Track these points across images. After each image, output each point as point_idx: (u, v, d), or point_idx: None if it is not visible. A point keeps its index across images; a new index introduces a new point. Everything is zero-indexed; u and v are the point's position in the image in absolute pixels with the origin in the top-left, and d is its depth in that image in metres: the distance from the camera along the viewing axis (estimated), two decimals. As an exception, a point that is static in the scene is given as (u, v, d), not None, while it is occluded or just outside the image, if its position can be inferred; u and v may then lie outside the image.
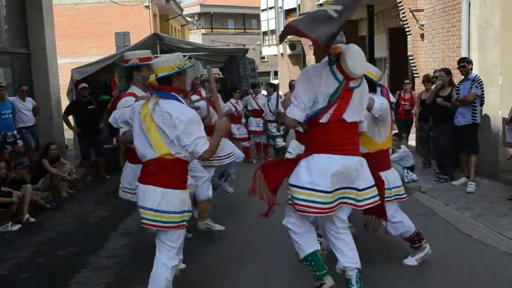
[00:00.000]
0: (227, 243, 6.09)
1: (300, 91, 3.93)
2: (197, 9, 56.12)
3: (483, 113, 8.60)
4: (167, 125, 3.73)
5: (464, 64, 8.19)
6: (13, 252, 6.23)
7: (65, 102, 11.90)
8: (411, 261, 5.11)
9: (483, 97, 8.20)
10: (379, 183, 4.33)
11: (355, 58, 3.86)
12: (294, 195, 3.97)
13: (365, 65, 4.08)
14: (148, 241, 5.82)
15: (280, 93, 16.83)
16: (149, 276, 5.05)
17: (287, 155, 6.86)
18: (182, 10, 36.00)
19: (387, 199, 4.77)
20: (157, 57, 4.78)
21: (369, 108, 4.45)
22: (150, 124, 3.80)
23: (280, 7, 36.79)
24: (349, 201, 4.04)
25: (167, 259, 3.92)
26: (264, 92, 15.46)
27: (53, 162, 9.34)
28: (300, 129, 4.75)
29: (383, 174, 4.71)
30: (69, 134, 12.53)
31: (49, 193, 8.93)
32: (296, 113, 3.92)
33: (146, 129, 3.82)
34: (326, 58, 3.90)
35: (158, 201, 3.76)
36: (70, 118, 10.92)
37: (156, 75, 3.85)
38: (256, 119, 12.23)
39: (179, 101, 3.87)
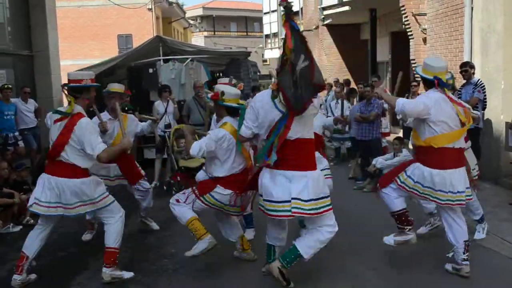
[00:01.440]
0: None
1: (247, 114, 4.72)
2: (200, 12, 56.25)
3: (485, 117, 8.60)
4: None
5: (467, 68, 8.19)
6: (14, 253, 6.20)
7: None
8: (389, 239, 5.15)
9: (485, 102, 8.20)
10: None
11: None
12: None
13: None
14: (149, 243, 5.85)
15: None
16: (149, 278, 5.07)
17: None
18: (184, 13, 36.05)
19: (410, 188, 5.01)
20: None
21: (391, 107, 4.90)
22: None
23: (283, 10, 36.81)
24: (296, 210, 4.47)
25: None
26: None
27: (55, 163, 9.32)
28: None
29: (420, 167, 4.93)
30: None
31: (50, 195, 8.90)
32: (243, 130, 4.74)
33: (239, 148, 4.96)
34: (269, 91, 4.55)
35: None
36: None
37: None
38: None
39: None
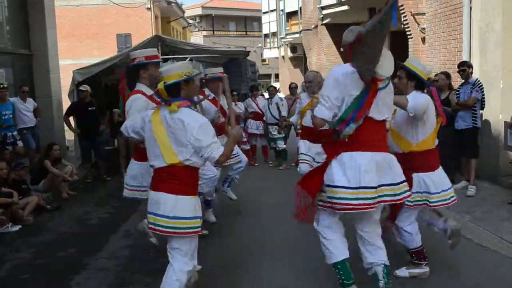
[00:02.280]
0: (232, 247, 6.08)
1: (327, 91, 3.94)
2: (199, 11, 56.24)
3: (484, 117, 8.60)
4: (179, 133, 3.77)
5: (464, 68, 8.20)
6: (13, 253, 6.23)
7: (66, 104, 11.92)
8: (403, 271, 4.95)
9: (484, 101, 8.20)
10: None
11: (383, 61, 3.89)
12: (331, 195, 3.97)
13: (392, 66, 4.04)
14: (148, 243, 5.84)
15: (281, 95, 16.86)
16: (149, 277, 5.08)
17: (304, 157, 6.89)
18: (183, 12, 36.03)
19: (413, 202, 4.74)
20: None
21: (404, 107, 4.52)
22: (161, 132, 3.84)
23: (282, 10, 36.82)
24: (387, 198, 4.02)
25: (182, 264, 3.90)
26: (265, 94, 15.47)
27: (55, 163, 9.35)
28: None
29: (415, 176, 4.71)
30: (70, 135, 12.55)
31: (49, 194, 8.93)
32: (324, 112, 3.91)
33: (157, 138, 3.86)
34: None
35: (171, 207, 3.77)
36: (71, 119, 10.94)
37: (164, 82, 3.86)
38: (256, 121, 12.21)
39: (189, 107, 3.92)
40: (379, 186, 3.93)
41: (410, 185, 4.53)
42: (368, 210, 3.93)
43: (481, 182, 8.39)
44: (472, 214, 6.89)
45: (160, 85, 3.86)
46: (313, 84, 6.69)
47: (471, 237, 6.05)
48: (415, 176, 4.72)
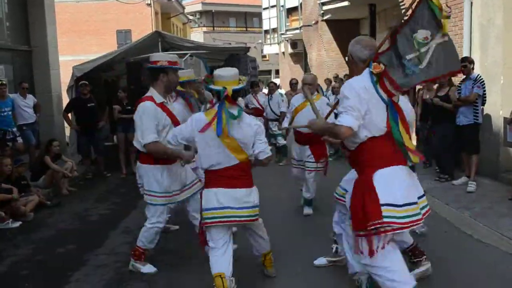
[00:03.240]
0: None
1: (351, 101, 3.64)
2: (199, 7, 56.18)
3: (484, 113, 8.58)
4: (244, 133, 4.29)
5: (466, 63, 8.16)
6: (13, 249, 6.23)
7: (64, 99, 11.93)
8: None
9: (485, 97, 8.19)
10: None
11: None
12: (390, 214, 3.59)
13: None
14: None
15: (282, 91, 16.86)
16: (148, 274, 5.07)
17: (292, 161, 7.35)
18: (183, 8, 36.00)
19: None
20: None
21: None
22: (227, 134, 4.22)
23: (282, 6, 36.77)
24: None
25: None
26: (265, 90, 15.46)
27: (55, 159, 9.34)
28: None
29: None
30: (68, 131, 12.55)
31: (49, 190, 8.93)
32: (352, 121, 3.61)
33: (222, 139, 4.22)
34: (367, 75, 3.75)
35: (253, 198, 4.38)
36: (71, 115, 10.94)
37: (224, 87, 4.25)
38: (256, 117, 12.18)
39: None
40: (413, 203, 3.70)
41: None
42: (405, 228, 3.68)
43: (481, 178, 8.38)
44: (472, 210, 6.88)
45: (230, 90, 4.25)
46: (313, 87, 6.86)
47: (471, 233, 6.05)
48: None
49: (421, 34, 3.70)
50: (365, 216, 3.57)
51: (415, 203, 3.65)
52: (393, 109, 3.74)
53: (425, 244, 5.65)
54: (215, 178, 4.31)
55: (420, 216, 3.66)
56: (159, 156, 4.95)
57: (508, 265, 5.13)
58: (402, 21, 3.80)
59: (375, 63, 3.71)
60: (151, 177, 5.05)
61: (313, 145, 6.83)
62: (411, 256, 4.82)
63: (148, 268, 5.23)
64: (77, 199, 8.83)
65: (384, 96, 3.72)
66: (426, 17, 3.70)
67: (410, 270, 4.59)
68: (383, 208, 3.54)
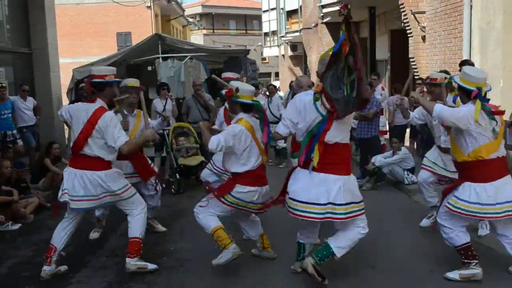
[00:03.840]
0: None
1: (288, 114, 4.87)
2: (199, 10, 56.17)
3: (484, 115, 8.59)
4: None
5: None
6: (14, 250, 6.23)
7: (64, 102, 11.95)
8: (454, 274, 4.86)
9: (485, 100, 8.19)
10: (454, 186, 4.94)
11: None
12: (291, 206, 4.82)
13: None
14: (148, 241, 5.85)
15: (281, 93, 16.88)
16: (149, 275, 5.09)
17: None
18: (183, 11, 36.02)
19: (455, 209, 4.76)
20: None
21: (430, 113, 4.81)
22: (256, 138, 5.06)
23: (282, 9, 36.81)
24: (329, 215, 4.60)
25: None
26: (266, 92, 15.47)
27: (55, 161, 9.35)
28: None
29: (467, 185, 4.72)
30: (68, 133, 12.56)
31: (49, 193, 8.92)
32: (281, 128, 4.91)
33: (256, 143, 5.06)
34: (311, 93, 4.67)
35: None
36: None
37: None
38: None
39: None
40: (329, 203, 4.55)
41: (455, 188, 4.88)
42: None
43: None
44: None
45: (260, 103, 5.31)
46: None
47: (472, 235, 6.04)
48: (467, 185, 4.73)
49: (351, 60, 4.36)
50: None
51: (313, 203, 4.59)
52: (323, 125, 4.54)
53: (424, 247, 5.68)
54: (255, 177, 5.09)
55: (321, 216, 4.60)
56: (134, 150, 5.42)
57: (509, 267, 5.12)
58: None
59: (318, 83, 4.59)
60: (116, 176, 5.25)
61: None
62: (462, 255, 4.87)
63: (152, 265, 5.32)
64: (77, 201, 8.81)
65: (323, 111, 4.54)
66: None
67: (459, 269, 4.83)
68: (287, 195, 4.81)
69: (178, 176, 8.95)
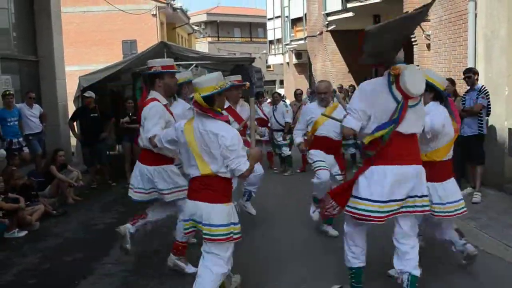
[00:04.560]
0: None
1: (356, 104, 4.14)
2: (204, 18, 56.41)
3: (489, 124, 8.59)
4: (211, 144, 3.97)
5: (470, 74, 8.20)
6: (20, 258, 6.26)
7: (71, 109, 12.00)
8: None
9: (490, 108, 8.20)
10: None
11: (414, 79, 4.03)
12: (354, 205, 4.16)
13: (423, 84, 4.15)
14: (154, 248, 5.87)
15: (287, 101, 16.89)
16: (154, 282, 5.09)
17: (321, 164, 6.50)
18: (189, 19, 36.17)
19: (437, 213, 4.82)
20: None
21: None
22: (194, 143, 4.04)
23: (287, 16, 36.88)
24: (417, 209, 4.20)
25: (212, 265, 4.08)
26: (269, 100, 15.50)
27: (61, 168, 9.40)
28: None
29: (430, 185, 4.65)
30: (74, 140, 12.61)
31: (55, 200, 8.97)
32: (353, 122, 4.11)
33: (191, 148, 4.06)
34: (385, 76, 4.12)
35: (207, 215, 4.01)
36: (76, 124, 11.04)
37: (199, 94, 4.01)
38: (262, 128, 12.21)
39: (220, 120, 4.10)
40: (405, 198, 4.11)
41: None
42: (376, 223, 4.11)
43: (486, 189, 8.37)
44: (477, 220, 6.88)
45: (197, 96, 4.02)
46: (328, 95, 6.60)
47: (477, 244, 6.01)
48: (430, 185, 4.70)
49: None
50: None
51: (398, 200, 4.06)
52: (401, 111, 4.00)
53: (430, 254, 5.67)
54: (188, 189, 4.31)
55: (386, 214, 4.06)
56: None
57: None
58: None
59: (394, 65, 4.03)
60: (170, 173, 5.21)
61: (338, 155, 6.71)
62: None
63: (191, 268, 5.20)
64: (83, 209, 8.86)
65: (399, 97, 4.01)
66: None
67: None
68: (360, 201, 4.10)
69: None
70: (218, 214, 4.00)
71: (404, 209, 4.13)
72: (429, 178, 4.61)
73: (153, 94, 5.14)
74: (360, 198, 4.11)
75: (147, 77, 5.26)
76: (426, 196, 4.23)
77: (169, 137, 4.39)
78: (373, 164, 4.13)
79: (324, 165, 6.45)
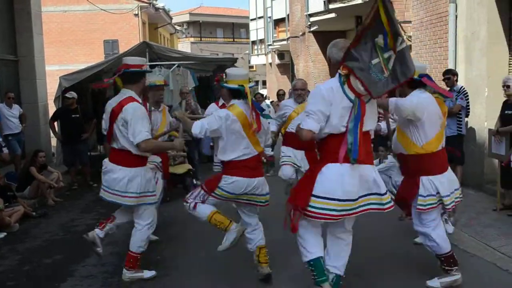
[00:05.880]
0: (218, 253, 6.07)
1: (314, 105, 4.05)
2: (187, 18, 56.26)
3: (469, 124, 8.69)
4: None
5: (449, 76, 8.29)
6: (-1, 260, 6.18)
7: (51, 110, 11.88)
8: (434, 282, 4.84)
9: (468, 109, 8.30)
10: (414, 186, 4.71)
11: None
12: (310, 203, 4.08)
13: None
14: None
15: (267, 101, 16.91)
16: (135, 285, 5.05)
17: (286, 159, 6.94)
18: (171, 19, 36.00)
19: (427, 206, 4.71)
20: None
21: (385, 108, 4.67)
22: (249, 127, 4.73)
23: (269, 17, 36.93)
24: (374, 206, 4.20)
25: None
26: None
27: (41, 169, 9.30)
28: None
29: (424, 179, 4.69)
30: (54, 141, 12.48)
31: (35, 201, 8.87)
32: (312, 124, 4.01)
33: (246, 132, 4.73)
34: (337, 77, 4.06)
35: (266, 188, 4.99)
36: (57, 124, 10.92)
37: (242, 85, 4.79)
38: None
39: None
40: (360, 197, 4.09)
41: (417, 188, 4.69)
42: (333, 220, 4.16)
43: (466, 189, 8.44)
44: (457, 220, 6.94)
45: (247, 89, 4.78)
46: (305, 92, 6.85)
47: (456, 244, 6.09)
48: (425, 179, 4.71)
49: (381, 39, 3.90)
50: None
51: (352, 199, 4.04)
52: (359, 110, 3.98)
53: (411, 254, 5.72)
54: (244, 169, 4.76)
55: (347, 212, 4.07)
56: (154, 152, 5.31)
57: (492, 275, 5.19)
58: (366, 23, 3.93)
59: (344, 64, 3.98)
60: (142, 178, 5.04)
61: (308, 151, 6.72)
62: (444, 263, 4.86)
63: (148, 273, 5.28)
64: (63, 210, 8.78)
65: (352, 96, 3.99)
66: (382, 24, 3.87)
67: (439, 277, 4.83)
68: (317, 199, 4.04)
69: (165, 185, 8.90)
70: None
71: (360, 208, 4.12)
72: (431, 172, 4.67)
73: (129, 93, 5.06)
74: (317, 197, 4.04)
75: (132, 74, 5.16)
76: (385, 194, 4.21)
77: (215, 127, 4.70)
78: (329, 162, 4.08)
79: (290, 161, 6.84)
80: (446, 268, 4.85)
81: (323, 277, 4.26)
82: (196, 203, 4.90)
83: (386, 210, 4.23)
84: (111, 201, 5.10)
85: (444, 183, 4.74)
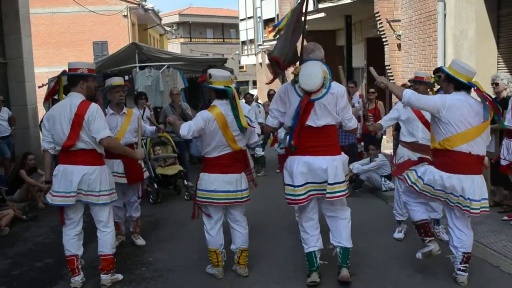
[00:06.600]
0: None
1: (273, 104, 5.08)
2: (176, 19, 56.09)
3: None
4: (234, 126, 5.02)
5: (439, 74, 8.29)
6: (-13, 263, 6.13)
7: (40, 112, 11.80)
8: (418, 254, 5.10)
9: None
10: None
11: (307, 75, 4.70)
12: (285, 191, 4.89)
13: (317, 80, 4.71)
14: (126, 252, 5.80)
15: (260, 101, 16.91)
16: (127, 286, 5.04)
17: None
18: (160, 20, 35.91)
19: (419, 188, 4.91)
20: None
21: (398, 98, 4.92)
22: (226, 126, 4.97)
23: (259, 17, 36.94)
24: (317, 192, 4.83)
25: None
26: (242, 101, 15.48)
27: (30, 172, 9.24)
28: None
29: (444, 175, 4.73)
30: (45, 144, 12.41)
31: (25, 204, 8.81)
32: (269, 120, 5.07)
33: (222, 131, 4.95)
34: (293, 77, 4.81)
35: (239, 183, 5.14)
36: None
37: (229, 86, 5.07)
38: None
39: None
40: (307, 183, 4.74)
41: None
42: (297, 204, 4.87)
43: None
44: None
45: (233, 88, 5.07)
46: None
47: (447, 241, 6.11)
48: (433, 171, 4.79)
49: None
50: None
51: (300, 185, 4.75)
52: (299, 107, 4.66)
53: (402, 248, 5.73)
54: (217, 166, 5.04)
55: (303, 197, 4.80)
56: (114, 151, 5.36)
57: (483, 271, 5.21)
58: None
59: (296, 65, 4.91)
60: (107, 174, 5.21)
61: None
62: (418, 232, 5.09)
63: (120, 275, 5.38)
64: (54, 213, 8.61)
65: (302, 93, 4.71)
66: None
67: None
68: (286, 186, 4.88)
69: (156, 186, 8.89)
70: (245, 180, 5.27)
71: (315, 192, 4.79)
72: (443, 169, 4.71)
73: (75, 95, 5.11)
74: (285, 184, 4.85)
75: (72, 78, 5.20)
76: (340, 183, 4.71)
77: (200, 127, 4.92)
78: (291, 155, 4.81)
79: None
80: (421, 238, 5.08)
81: (312, 268, 4.93)
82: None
83: (329, 199, 4.75)
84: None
85: (459, 184, 4.69)
